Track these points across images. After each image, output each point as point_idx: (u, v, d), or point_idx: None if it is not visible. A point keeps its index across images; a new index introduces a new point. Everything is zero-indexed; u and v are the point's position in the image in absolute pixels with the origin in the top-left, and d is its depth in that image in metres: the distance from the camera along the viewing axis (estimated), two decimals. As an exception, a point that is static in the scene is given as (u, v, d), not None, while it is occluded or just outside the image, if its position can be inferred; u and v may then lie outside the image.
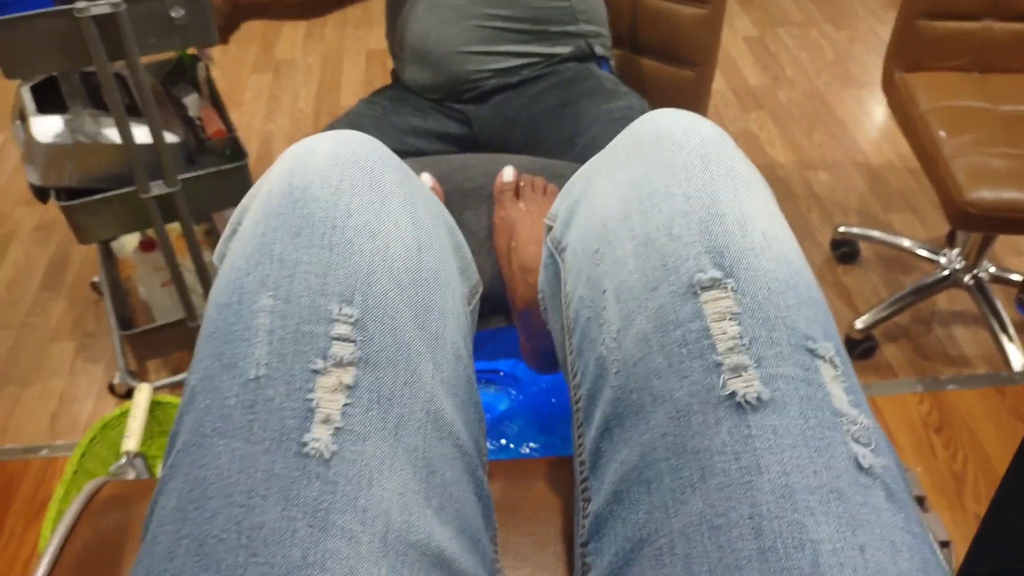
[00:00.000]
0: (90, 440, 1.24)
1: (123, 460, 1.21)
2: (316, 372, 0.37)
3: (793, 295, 0.38)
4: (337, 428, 0.36)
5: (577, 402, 0.45)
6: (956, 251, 1.65)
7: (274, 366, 0.37)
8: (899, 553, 0.33)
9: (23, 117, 1.20)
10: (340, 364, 0.38)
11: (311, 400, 0.37)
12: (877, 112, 2.33)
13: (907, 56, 1.45)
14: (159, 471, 1.38)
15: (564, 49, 1.19)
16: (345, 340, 0.39)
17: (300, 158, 0.45)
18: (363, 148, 0.46)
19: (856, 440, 0.35)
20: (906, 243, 1.77)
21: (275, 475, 0.35)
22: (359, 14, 2.76)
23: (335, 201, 0.43)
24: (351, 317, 0.39)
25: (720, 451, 0.35)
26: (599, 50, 1.22)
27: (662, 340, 0.38)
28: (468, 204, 0.91)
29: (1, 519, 1.31)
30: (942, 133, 1.33)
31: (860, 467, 0.34)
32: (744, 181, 0.43)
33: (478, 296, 0.56)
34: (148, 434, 1.30)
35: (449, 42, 1.18)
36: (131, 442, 1.22)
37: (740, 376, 0.36)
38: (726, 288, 0.38)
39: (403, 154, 1.17)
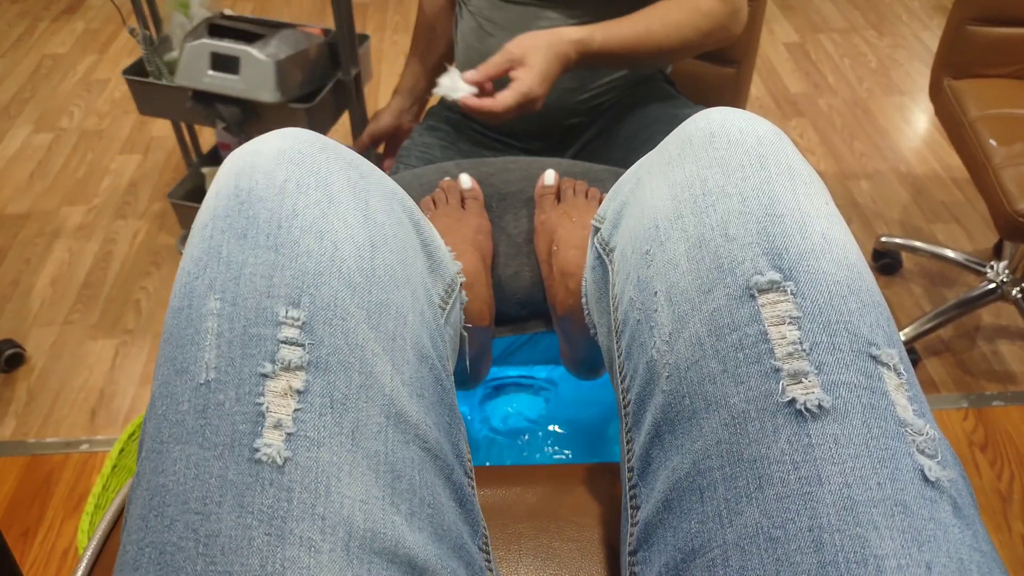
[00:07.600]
0: (129, 436, 1.25)
1: (160, 456, 1.22)
2: (265, 376, 0.37)
3: (855, 299, 0.37)
4: (289, 433, 0.35)
5: (626, 407, 0.44)
6: (1003, 264, 1.61)
7: (223, 370, 0.37)
8: (968, 573, 0.31)
9: (219, 64, 1.37)
10: (288, 368, 0.37)
11: (261, 404, 0.36)
12: (921, 120, 2.28)
13: (956, 63, 1.42)
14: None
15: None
16: (292, 344, 0.38)
17: (246, 158, 0.44)
18: (309, 147, 0.45)
19: (922, 451, 0.34)
20: (950, 254, 1.73)
21: (229, 481, 0.34)
22: (398, 19, 2.78)
23: (280, 201, 0.42)
24: (298, 320, 0.38)
25: (778, 460, 0.33)
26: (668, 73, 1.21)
27: (717, 344, 0.37)
28: (507, 208, 0.90)
29: (41, 512, 1.33)
30: (992, 142, 1.29)
31: (926, 480, 0.33)
32: (803, 181, 0.41)
33: (456, 293, 0.54)
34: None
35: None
36: (168, 439, 1.23)
37: (800, 383, 0.34)
38: (785, 291, 0.37)
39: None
